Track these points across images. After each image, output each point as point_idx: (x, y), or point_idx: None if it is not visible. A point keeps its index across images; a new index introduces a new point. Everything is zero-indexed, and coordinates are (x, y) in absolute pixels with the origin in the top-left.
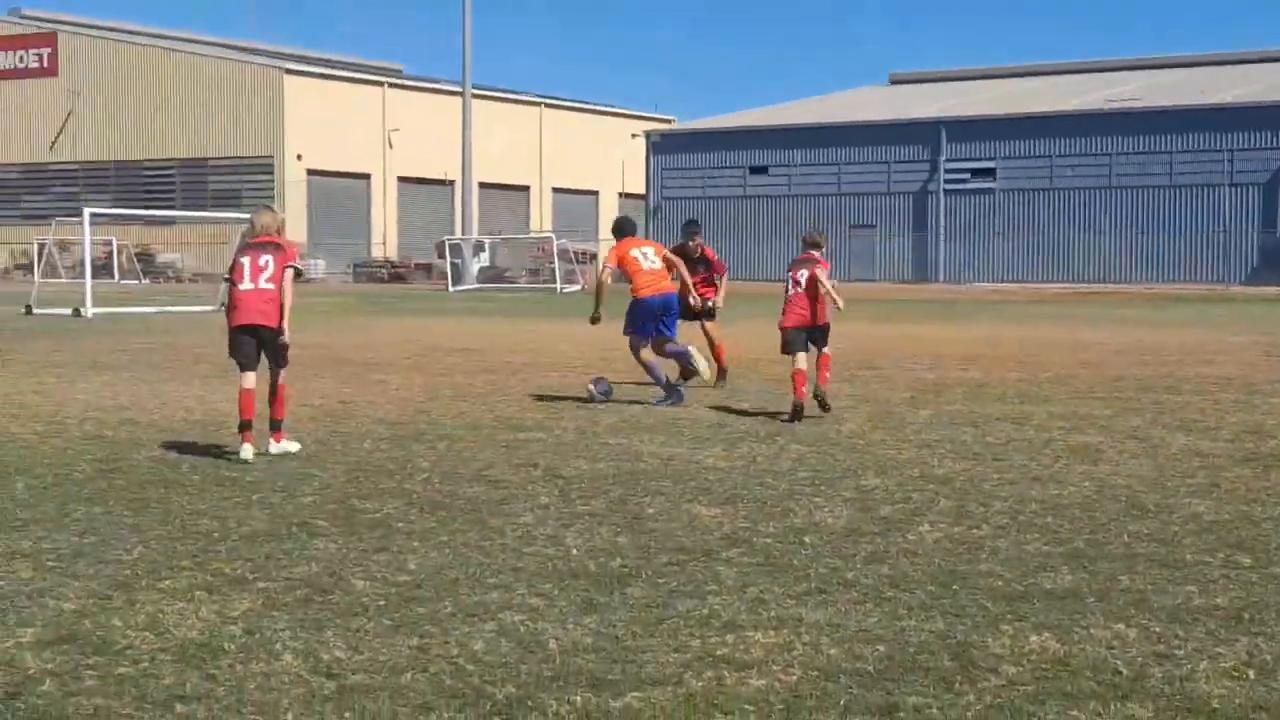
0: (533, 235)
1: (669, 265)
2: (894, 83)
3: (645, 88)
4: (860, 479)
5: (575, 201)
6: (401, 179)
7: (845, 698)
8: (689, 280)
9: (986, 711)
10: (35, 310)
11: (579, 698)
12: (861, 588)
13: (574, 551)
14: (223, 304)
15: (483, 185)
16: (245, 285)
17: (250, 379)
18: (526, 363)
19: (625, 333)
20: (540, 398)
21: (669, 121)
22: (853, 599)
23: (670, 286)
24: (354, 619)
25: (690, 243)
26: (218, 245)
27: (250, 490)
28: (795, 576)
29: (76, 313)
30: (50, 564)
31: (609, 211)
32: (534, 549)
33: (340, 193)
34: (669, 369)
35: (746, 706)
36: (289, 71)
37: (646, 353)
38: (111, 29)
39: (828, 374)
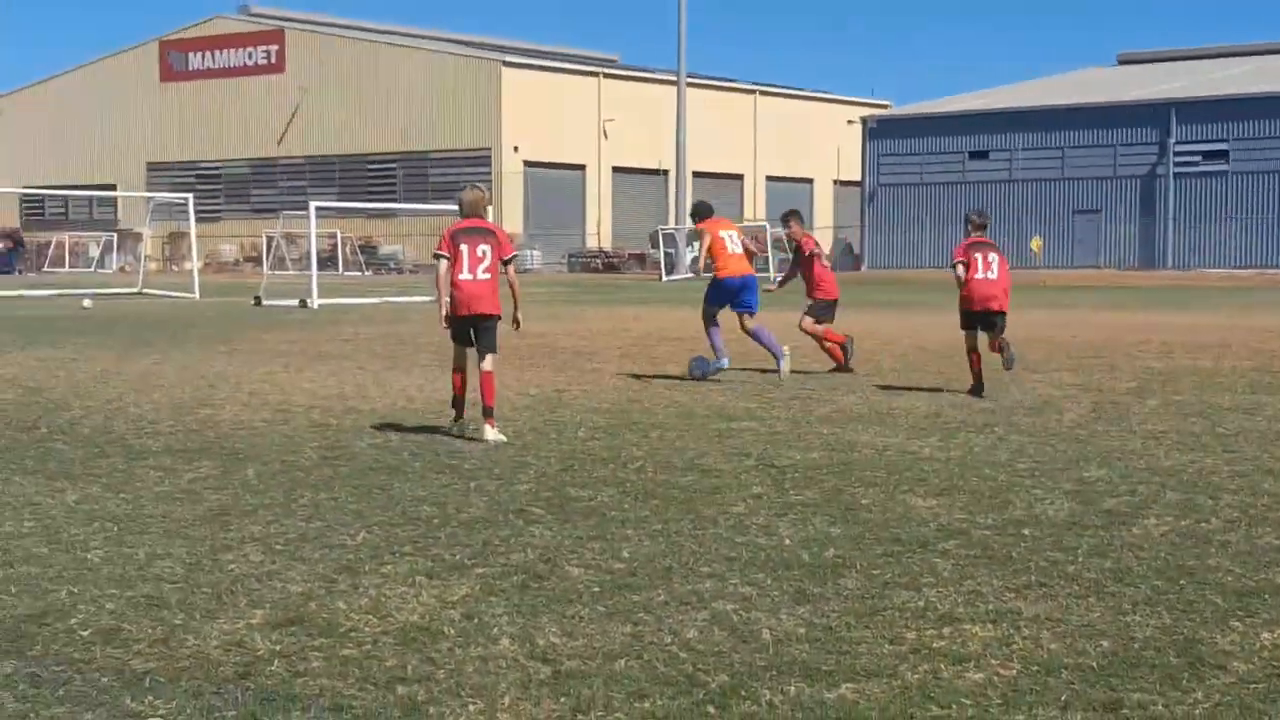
0: (746, 224)
1: (749, 253)
2: (1122, 63)
3: (861, 73)
4: (1083, 470)
5: (789, 189)
6: (616, 169)
7: (1066, 693)
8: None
9: (1215, 710)
10: (264, 301)
11: (793, 688)
12: (1084, 581)
13: (787, 541)
14: (437, 294)
15: (696, 174)
16: (465, 275)
17: (462, 358)
18: (739, 352)
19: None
20: (752, 387)
21: (885, 106)
22: (1074, 593)
23: (750, 269)
24: (569, 605)
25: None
26: (437, 237)
27: (469, 477)
28: (1014, 569)
29: (303, 304)
30: (279, 548)
31: (824, 200)
32: (747, 538)
33: (556, 184)
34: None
35: (964, 700)
36: (507, 64)
37: (714, 329)
38: (336, 25)
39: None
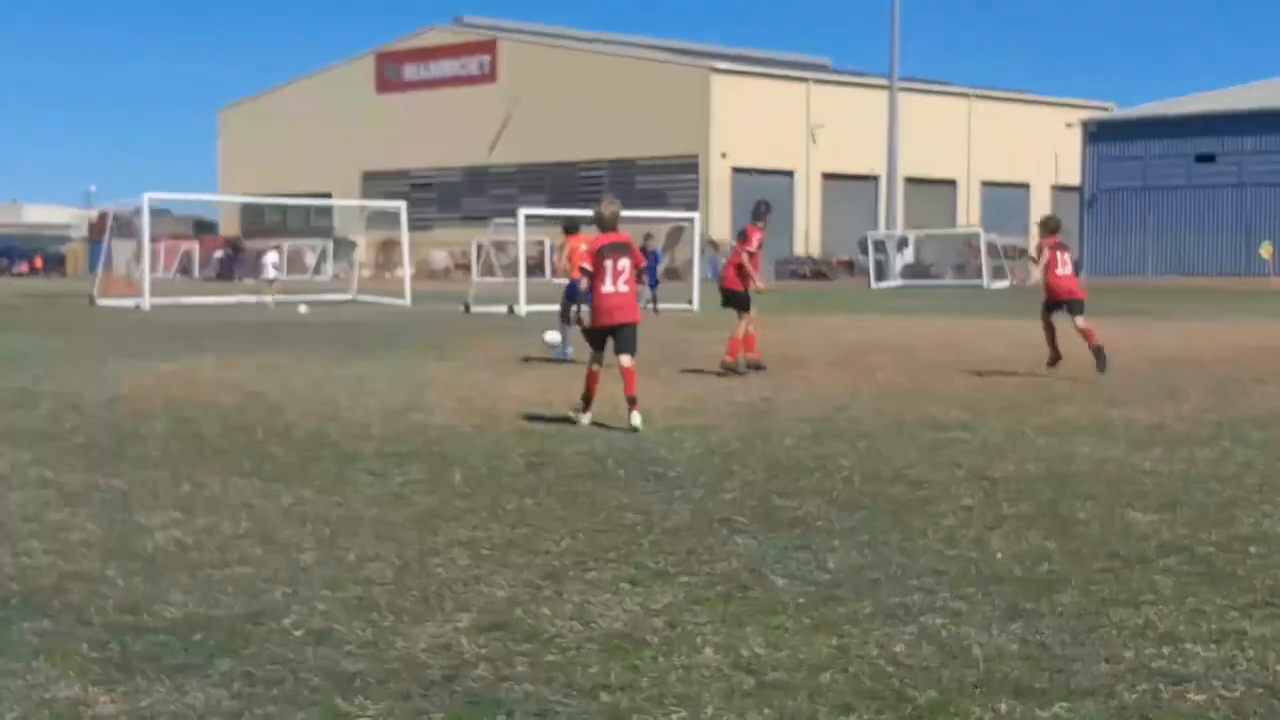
0: (959, 230)
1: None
2: None
3: (1082, 73)
4: None
5: (1005, 195)
6: (826, 175)
7: None
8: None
9: None
10: (473, 308)
11: (1004, 705)
12: None
13: (999, 555)
14: (581, 301)
15: (908, 180)
16: (607, 287)
17: (600, 359)
18: (951, 361)
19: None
20: (965, 397)
21: (1107, 109)
22: None
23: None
24: (774, 616)
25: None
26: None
27: (673, 485)
28: (1239, 588)
29: (511, 311)
30: (485, 552)
31: (1040, 205)
32: (957, 551)
33: (764, 190)
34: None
35: None
36: (716, 70)
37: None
38: (547, 33)
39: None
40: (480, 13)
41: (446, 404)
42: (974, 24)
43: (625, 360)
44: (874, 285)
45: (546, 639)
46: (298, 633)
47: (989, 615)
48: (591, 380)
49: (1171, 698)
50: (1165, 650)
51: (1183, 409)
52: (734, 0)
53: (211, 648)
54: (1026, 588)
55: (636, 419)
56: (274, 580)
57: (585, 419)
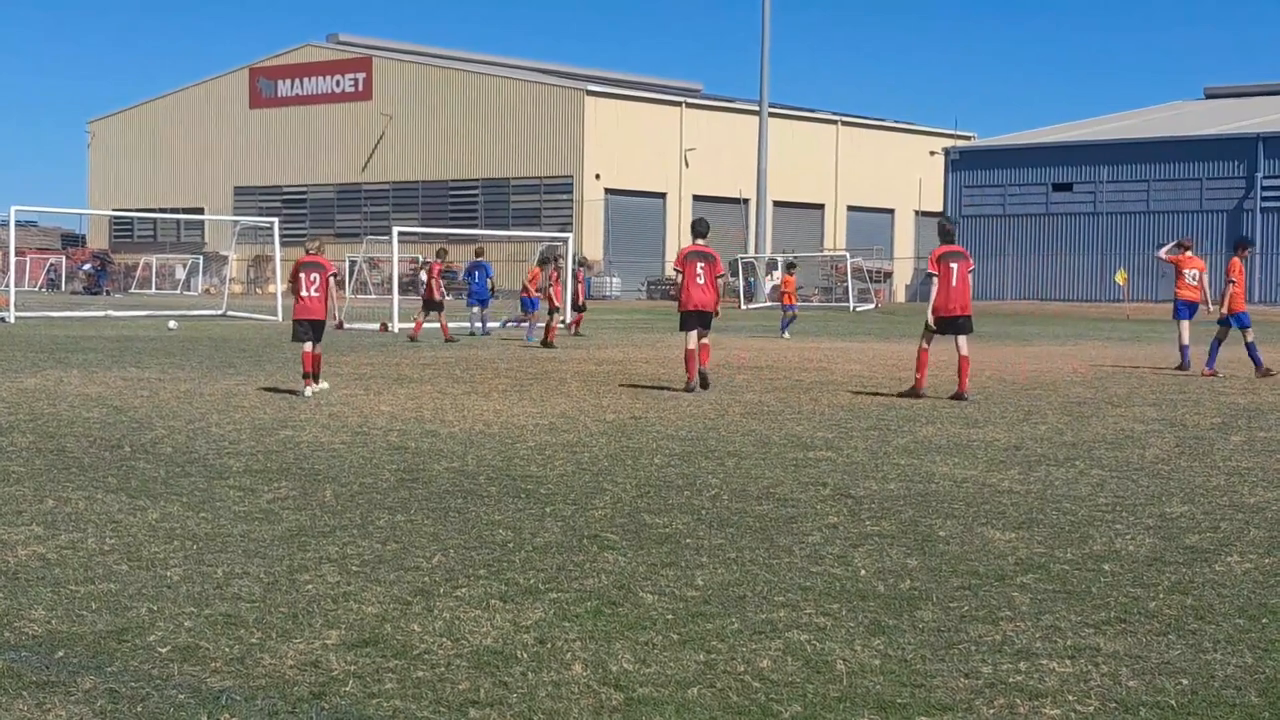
0: (826, 253)
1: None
2: (1209, 96)
3: (945, 104)
4: (1165, 506)
5: (870, 220)
6: (696, 197)
7: None
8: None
9: None
10: (346, 325)
11: (866, 719)
12: (1164, 618)
13: (862, 572)
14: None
15: (777, 204)
16: (303, 293)
17: (308, 348)
18: (817, 381)
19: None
20: (830, 416)
21: (969, 138)
22: (1154, 629)
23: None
24: (642, 632)
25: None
26: (517, 263)
27: (544, 502)
28: (1093, 604)
29: (384, 327)
30: (355, 569)
31: (905, 230)
32: (821, 568)
33: (636, 211)
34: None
35: None
36: (590, 93)
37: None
38: (422, 53)
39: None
40: (355, 31)
41: (317, 420)
42: (842, 55)
43: (318, 349)
44: (743, 306)
45: (415, 655)
46: (163, 649)
47: (852, 631)
48: (305, 359)
49: (1028, 712)
50: (1022, 666)
51: (1038, 430)
52: (608, 25)
53: (74, 665)
54: (888, 604)
55: (309, 390)
56: (139, 596)
57: (308, 391)
